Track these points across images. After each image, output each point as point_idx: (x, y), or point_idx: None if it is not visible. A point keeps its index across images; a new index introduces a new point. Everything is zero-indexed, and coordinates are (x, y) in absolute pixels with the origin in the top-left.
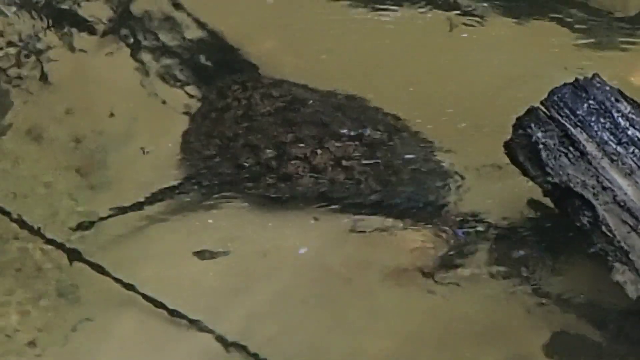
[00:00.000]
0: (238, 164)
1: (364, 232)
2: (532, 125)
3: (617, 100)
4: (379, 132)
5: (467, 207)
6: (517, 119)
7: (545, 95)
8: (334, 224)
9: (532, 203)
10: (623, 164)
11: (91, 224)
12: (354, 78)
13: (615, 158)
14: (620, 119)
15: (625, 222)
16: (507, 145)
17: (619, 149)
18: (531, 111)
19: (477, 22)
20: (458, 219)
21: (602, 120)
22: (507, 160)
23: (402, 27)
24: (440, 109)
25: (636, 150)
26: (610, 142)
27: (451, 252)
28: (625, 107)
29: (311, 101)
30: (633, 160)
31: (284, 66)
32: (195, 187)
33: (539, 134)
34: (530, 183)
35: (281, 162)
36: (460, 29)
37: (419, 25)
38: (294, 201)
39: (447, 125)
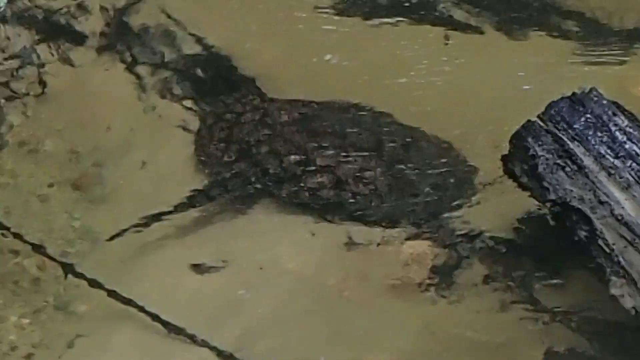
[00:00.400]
0: (263, 169)
1: (361, 244)
2: (530, 138)
3: (614, 114)
4: (394, 144)
5: (467, 220)
6: (515, 132)
7: (543, 109)
8: (332, 237)
9: (530, 216)
10: (620, 177)
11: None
12: (354, 91)
13: (612, 172)
14: (617, 132)
15: (622, 236)
16: (504, 159)
17: (616, 162)
18: (528, 125)
19: (474, 35)
20: (458, 232)
21: (599, 134)
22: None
23: (398, 41)
24: (445, 121)
25: (634, 164)
26: (608, 156)
27: (450, 266)
28: (623, 121)
29: (326, 112)
30: (630, 174)
31: (282, 80)
32: (222, 191)
33: (537, 148)
34: (528, 196)
35: (306, 170)
36: (456, 43)
37: (415, 38)
38: (319, 211)
39: (457, 138)
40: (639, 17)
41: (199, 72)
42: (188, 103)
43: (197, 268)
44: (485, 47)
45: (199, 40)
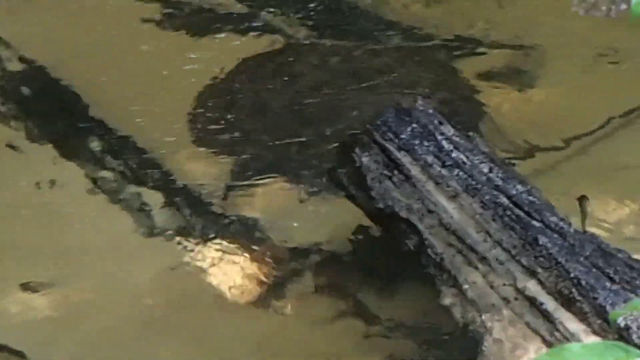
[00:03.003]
0: None
1: (192, 262)
2: (356, 149)
3: (440, 123)
4: None
5: (297, 232)
6: (341, 143)
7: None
8: (167, 255)
9: (359, 227)
10: (448, 186)
11: None
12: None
13: (440, 181)
14: (444, 141)
15: (451, 245)
16: (331, 170)
17: (443, 171)
18: (355, 135)
19: None
20: (289, 245)
21: (426, 143)
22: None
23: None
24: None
25: (461, 173)
26: (435, 165)
27: (281, 279)
28: (449, 130)
29: None
30: (458, 183)
31: (113, 99)
32: None
33: (363, 158)
34: (357, 207)
35: None
36: None
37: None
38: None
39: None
40: None
41: (24, 90)
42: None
43: (28, 286)
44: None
45: (23, 58)
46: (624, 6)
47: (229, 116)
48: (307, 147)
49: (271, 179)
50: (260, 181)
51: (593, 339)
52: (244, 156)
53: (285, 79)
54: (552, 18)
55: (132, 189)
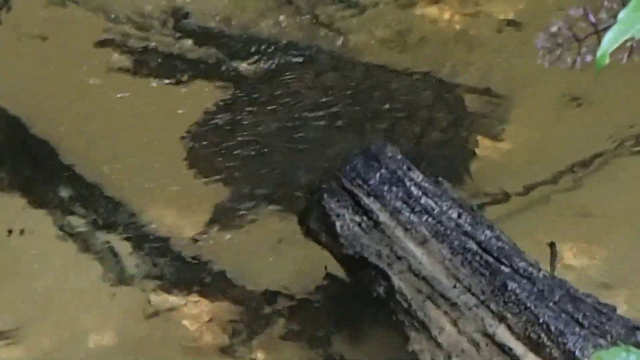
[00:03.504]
0: None
1: (160, 308)
2: (325, 195)
3: (409, 169)
4: None
5: (266, 279)
6: (310, 190)
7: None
8: (136, 301)
9: (329, 273)
10: (417, 232)
11: None
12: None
13: (409, 227)
14: (412, 187)
15: (420, 292)
16: (301, 216)
17: (412, 217)
18: (324, 181)
19: None
20: (257, 290)
21: (394, 189)
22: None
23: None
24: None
25: (429, 219)
26: (404, 211)
27: (249, 325)
28: (418, 176)
29: None
30: (427, 229)
31: (82, 146)
32: None
33: (332, 205)
34: (327, 253)
35: None
36: None
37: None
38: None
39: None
40: None
41: None
42: None
43: None
44: None
45: None
46: (589, 58)
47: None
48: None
49: (243, 223)
50: (232, 226)
51: None
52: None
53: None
54: (520, 62)
55: (101, 236)
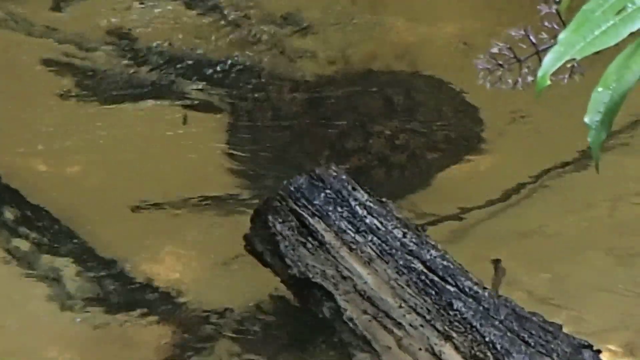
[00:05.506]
0: None
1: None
2: (270, 216)
3: (354, 189)
4: None
5: (209, 300)
6: (255, 210)
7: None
8: (82, 323)
9: (274, 294)
10: (362, 252)
11: None
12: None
13: (354, 247)
14: (357, 207)
15: (366, 312)
16: (246, 237)
17: (357, 237)
18: (268, 202)
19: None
20: (202, 310)
21: (339, 209)
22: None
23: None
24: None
25: (374, 239)
26: (349, 231)
27: (193, 346)
28: (363, 196)
29: None
30: (372, 249)
31: (26, 168)
32: None
33: (277, 225)
34: (272, 274)
35: None
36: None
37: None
38: None
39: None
40: None
41: None
42: None
43: None
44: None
45: None
46: (530, 79)
47: None
48: None
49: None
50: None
51: None
52: None
53: None
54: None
55: (47, 258)
